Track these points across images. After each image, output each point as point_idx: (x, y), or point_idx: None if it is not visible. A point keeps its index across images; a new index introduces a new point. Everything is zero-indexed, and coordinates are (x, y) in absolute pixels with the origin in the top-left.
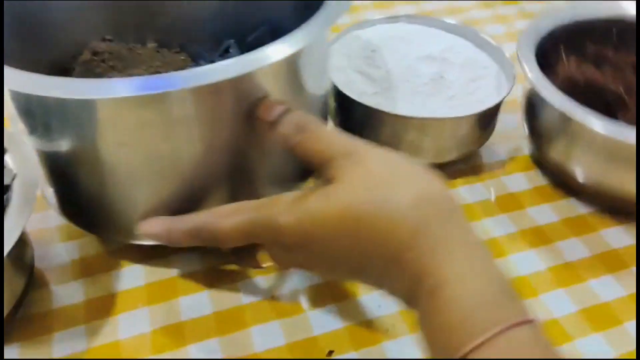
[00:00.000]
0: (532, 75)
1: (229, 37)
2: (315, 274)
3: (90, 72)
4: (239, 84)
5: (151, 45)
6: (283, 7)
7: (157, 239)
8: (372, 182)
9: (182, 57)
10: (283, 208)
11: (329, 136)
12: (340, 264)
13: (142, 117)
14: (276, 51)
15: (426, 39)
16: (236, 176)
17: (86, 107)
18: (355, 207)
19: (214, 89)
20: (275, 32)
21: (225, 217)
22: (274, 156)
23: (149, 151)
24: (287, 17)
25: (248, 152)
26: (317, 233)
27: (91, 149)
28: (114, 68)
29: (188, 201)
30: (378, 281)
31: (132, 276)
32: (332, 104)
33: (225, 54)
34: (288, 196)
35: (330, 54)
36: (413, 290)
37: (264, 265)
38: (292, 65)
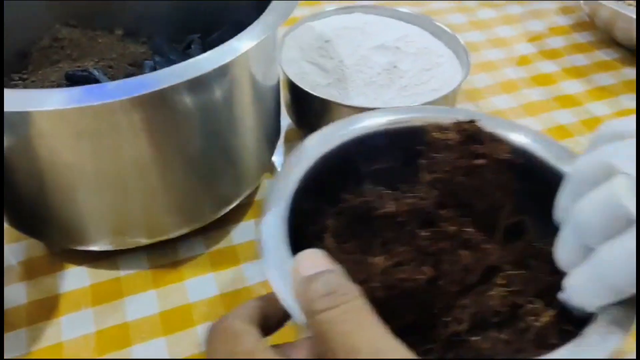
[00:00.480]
0: None
1: (196, 32)
2: None
3: (46, 58)
4: (170, 94)
5: (117, 33)
6: (247, 7)
7: None
8: None
9: (142, 50)
10: None
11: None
12: None
13: (77, 127)
14: (218, 56)
15: (380, 29)
16: (178, 180)
17: (19, 118)
18: None
19: (140, 101)
20: (238, 30)
21: None
22: (222, 160)
23: (86, 160)
24: (251, 16)
25: (192, 157)
26: None
27: (28, 158)
28: (70, 56)
29: (133, 208)
30: None
31: (77, 277)
32: (287, 96)
33: (187, 49)
34: None
35: (283, 45)
36: None
37: None
38: (236, 67)
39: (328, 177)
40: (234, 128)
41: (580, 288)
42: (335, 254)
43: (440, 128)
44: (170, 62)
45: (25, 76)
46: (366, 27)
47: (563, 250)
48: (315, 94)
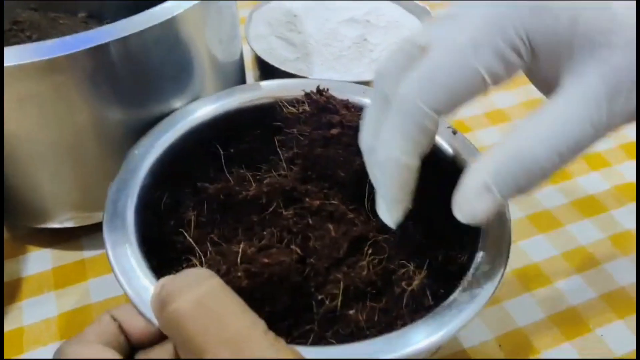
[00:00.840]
0: None
1: None
2: None
3: (6, 42)
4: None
5: (81, 15)
6: None
7: None
8: None
9: None
10: None
11: None
12: None
13: (19, 92)
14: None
15: (350, 2)
16: None
17: None
18: None
19: (81, 57)
20: None
21: None
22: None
23: (32, 127)
24: None
25: (148, 122)
26: None
27: None
28: (30, 38)
29: (91, 179)
30: None
31: (39, 261)
32: (256, 74)
33: None
34: None
35: (250, 22)
36: None
37: None
38: (180, 26)
39: (182, 166)
40: (189, 99)
41: (469, 193)
42: (200, 247)
43: (293, 102)
44: None
45: None
46: (335, 1)
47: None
48: (283, 68)
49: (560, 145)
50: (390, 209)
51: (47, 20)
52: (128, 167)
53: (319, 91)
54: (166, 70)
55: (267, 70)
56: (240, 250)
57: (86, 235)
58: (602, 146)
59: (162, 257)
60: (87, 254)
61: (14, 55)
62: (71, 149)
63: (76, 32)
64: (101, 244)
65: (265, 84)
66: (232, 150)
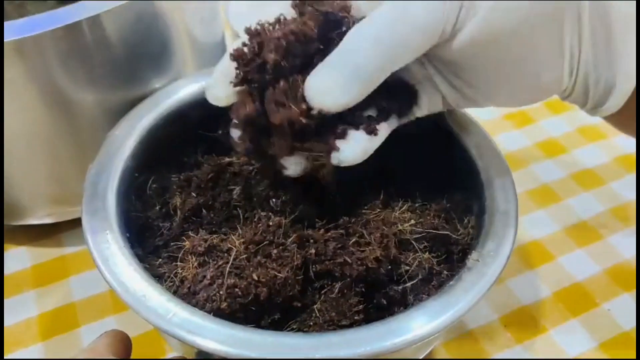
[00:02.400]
0: None
1: None
2: None
3: None
4: (90, 29)
5: (51, 3)
6: None
7: None
8: None
9: None
10: None
11: None
12: None
13: None
14: None
15: None
16: None
17: None
18: None
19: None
20: None
21: None
22: None
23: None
24: None
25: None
26: None
27: None
28: None
29: (66, 172)
30: None
31: (17, 259)
32: None
33: None
34: None
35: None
36: None
37: None
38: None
39: (166, 149)
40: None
41: (321, 81)
42: (188, 236)
43: None
44: None
45: None
46: None
47: None
48: None
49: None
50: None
51: (13, 7)
52: (108, 149)
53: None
54: (144, 51)
55: None
56: (232, 254)
57: (66, 230)
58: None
59: (147, 245)
60: (68, 250)
61: None
62: (46, 139)
63: None
64: (83, 240)
65: None
66: (219, 132)
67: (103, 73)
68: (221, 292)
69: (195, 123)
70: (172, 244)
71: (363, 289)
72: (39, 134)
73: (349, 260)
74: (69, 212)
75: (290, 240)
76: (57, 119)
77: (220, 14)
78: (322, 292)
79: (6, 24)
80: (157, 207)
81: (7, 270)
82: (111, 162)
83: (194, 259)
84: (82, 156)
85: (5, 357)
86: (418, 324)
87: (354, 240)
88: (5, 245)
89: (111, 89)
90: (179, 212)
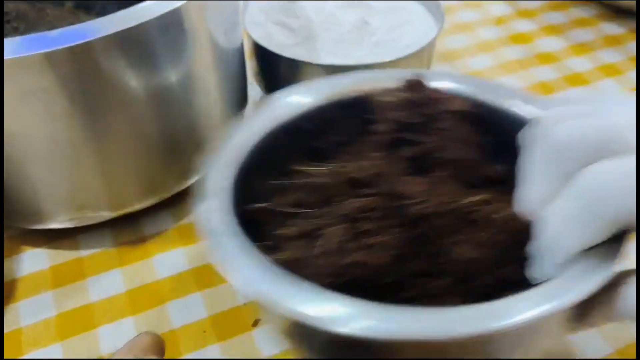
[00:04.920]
0: None
1: None
2: None
3: None
4: (121, 41)
5: (68, 5)
6: None
7: None
8: None
9: None
10: None
11: None
12: None
13: (21, 85)
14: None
15: None
16: (136, 148)
17: None
18: None
19: (86, 49)
20: None
21: None
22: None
23: (33, 124)
24: None
25: (148, 122)
26: None
27: None
28: (17, 30)
29: (91, 178)
30: None
31: (35, 260)
32: (254, 63)
33: None
34: None
35: (246, 10)
36: None
37: None
38: (187, 16)
39: (276, 155)
40: (193, 91)
41: (558, 226)
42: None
43: (388, 91)
44: None
45: None
46: None
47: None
48: (282, 54)
49: None
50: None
51: (35, 11)
52: (223, 151)
53: (415, 80)
54: (170, 63)
55: (266, 57)
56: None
57: (83, 233)
58: None
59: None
60: (85, 252)
61: (15, 47)
62: (72, 147)
63: (65, 22)
64: (99, 242)
65: (353, 75)
66: (325, 145)
67: (130, 85)
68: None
69: (303, 132)
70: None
71: None
72: (66, 142)
73: None
74: (90, 217)
75: None
76: (83, 128)
77: (239, 21)
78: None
79: (41, 34)
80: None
81: (26, 270)
82: (227, 163)
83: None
84: (106, 163)
85: (24, 357)
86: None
87: None
88: (22, 247)
89: (135, 101)
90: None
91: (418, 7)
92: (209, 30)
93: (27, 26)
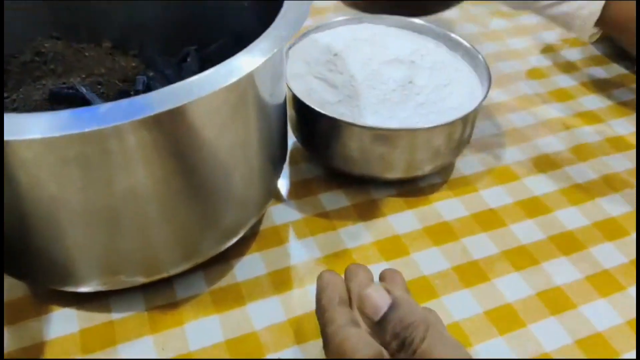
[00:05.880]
0: None
1: (191, 43)
2: None
3: (27, 74)
4: (170, 118)
5: (105, 45)
6: (247, 17)
7: None
8: None
9: (134, 64)
10: None
11: (440, 352)
12: None
13: (63, 155)
14: (221, 75)
15: (392, 41)
16: (176, 212)
17: None
18: None
19: (136, 126)
20: (239, 43)
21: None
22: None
23: (72, 191)
24: (252, 28)
25: (191, 186)
26: None
27: (8, 189)
28: (54, 72)
29: (127, 244)
30: None
31: (64, 322)
32: (292, 114)
33: (182, 62)
34: None
35: (287, 60)
36: None
37: None
38: (241, 88)
39: None
40: (237, 153)
41: None
42: None
43: None
44: (165, 78)
45: (5, 94)
46: (376, 38)
47: None
48: (324, 112)
49: None
50: None
51: (72, 52)
52: None
53: None
54: (221, 130)
55: (306, 113)
56: None
57: (114, 294)
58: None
59: None
60: (116, 315)
61: (64, 123)
62: (109, 213)
63: (103, 64)
64: (130, 305)
65: None
66: None
67: (179, 160)
68: None
69: None
70: None
71: None
72: (106, 210)
73: None
74: (123, 282)
75: None
76: (125, 198)
77: (284, 78)
78: None
79: (90, 110)
80: None
81: (54, 333)
82: None
83: None
84: (144, 229)
85: None
86: None
87: None
88: (51, 307)
89: (179, 173)
90: None
91: (463, 65)
92: (258, 93)
93: (65, 68)
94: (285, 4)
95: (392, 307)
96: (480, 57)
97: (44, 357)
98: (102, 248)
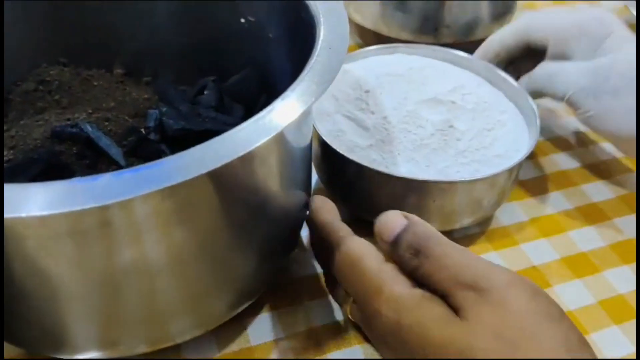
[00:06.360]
0: None
1: (209, 70)
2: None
3: (30, 105)
4: (184, 189)
5: (117, 72)
6: (272, 49)
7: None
8: (508, 334)
9: (146, 96)
10: (397, 301)
11: (455, 264)
12: None
13: (58, 230)
14: (247, 135)
15: (430, 76)
16: (188, 281)
17: None
18: (478, 356)
19: (144, 199)
20: (261, 75)
21: (342, 249)
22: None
23: (68, 265)
24: (276, 58)
25: (206, 254)
26: (419, 351)
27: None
28: (59, 103)
29: (128, 315)
30: None
31: None
32: (317, 151)
33: (199, 95)
34: (406, 292)
35: None
36: None
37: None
38: (268, 148)
39: None
40: (259, 215)
41: None
42: None
43: None
44: (178, 114)
45: (5, 127)
46: (412, 73)
47: None
48: (353, 158)
49: None
50: None
51: (79, 81)
52: None
53: None
54: (242, 195)
55: (333, 157)
56: None
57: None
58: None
59: None
60: None
61: (56, 198)
62: (112, 288)
63: (112, 96)
64: None
65: None
66: None
67: (192, 222)
68: None
69: None
70: None
71: None
72: (103, 282)
73: None
74: (123, 351)
75: None
76: (138, 269)
77: (311, 119)
78: None
79: (89, 181)
80: None
81: None
82: None
83: None
84: (147, 300)
85: None
86: None
87: None
88: None
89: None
90: None
91: (508, 106)
92: (286, 148)
93: (70, 100)
94: (319, 43)
95: (406, 228)
96: (526, 95)
97: None
98: (101, 319)
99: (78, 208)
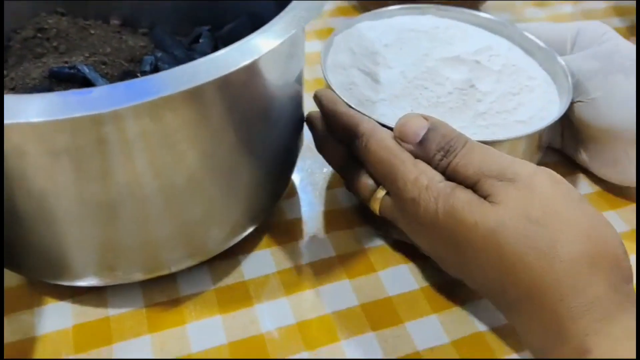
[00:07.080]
0: None
1: (206, 23)
2: (418, 244)
3: (29, 51)
4: (171, 104)
5: (113, 23)
6: None
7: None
8: (535, 214)
9: (142, 44)
10: (434, 189)
11: (482, 159)
12: (460, 266)
13: (53, 145)
14: (232, 56)
15: (456, 35)
16: (180, 206)
17: None
18: (507, 234)
19: (134, 112)
20: (255, 24)
21: (377, 137)
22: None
23: (65, 184)
24: (269, 8)
25: (196, 179)
26: (454, 235)
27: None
28: (57, 49)
29: (125, 240)
30: (496, 300)
31: (57, 316)
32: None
33: (194, 44)
34: (441, 182)
35: (331, 47)
36: (550, 344)
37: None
38: (252, 72)
39: None
40: (247, 144)
41: None
42: None
43: None
44: (174, 60)
45: (5, 72)
46: (439, 32)
47: None
48: (361, 111)
49: None
50: None
51: (77, 29)
52: None
53: None
54: (230, 119)
55: None
56: None
57: (112, 288)
58: None
59: None
60: (113, 311)
61: (52, 107)
62: (106, 207)
63: (109, 43)
64: (129, 300)
65: None
66: None
67: (184, 143)
68: None
69: None
70: None
71: None
72: (99, 204)
73: None
74: (120, 277)
75: None
76: (122, 191)
77: (302, 62)
78: None
79: (83, 93)
80: None
81: (46, 327)
82: None
83: None
84: (141, 226)
85: None
86: None
87: None
88: (45, 299)
89: (190, 157)
90: None
91: (540, 72)
92: (271, 80)
93: (68, 46)
94: None
95: (432, 128)
96: (560, 62)
97: (33, 355)
98: (98, 244)
99: (74, 115)
